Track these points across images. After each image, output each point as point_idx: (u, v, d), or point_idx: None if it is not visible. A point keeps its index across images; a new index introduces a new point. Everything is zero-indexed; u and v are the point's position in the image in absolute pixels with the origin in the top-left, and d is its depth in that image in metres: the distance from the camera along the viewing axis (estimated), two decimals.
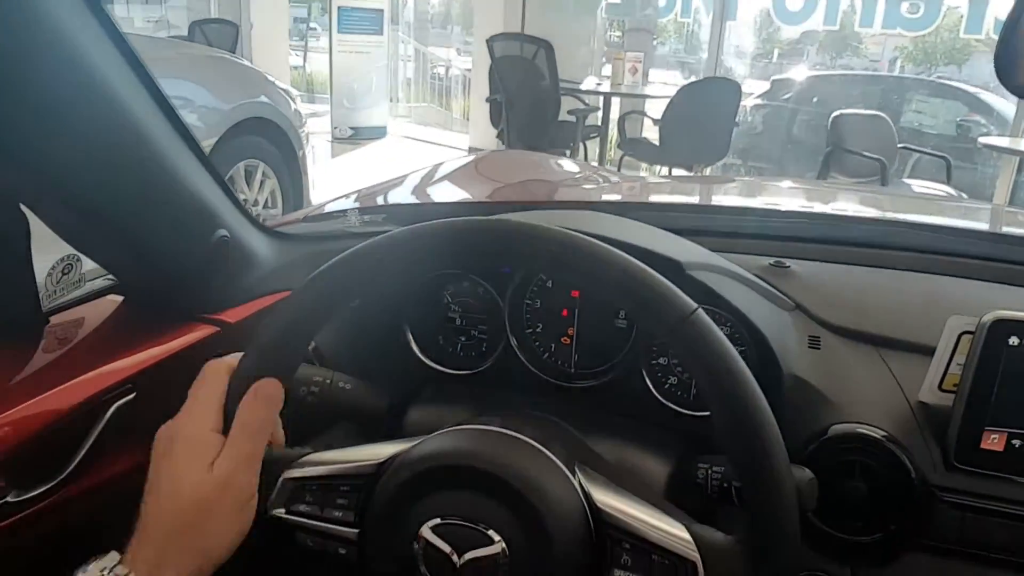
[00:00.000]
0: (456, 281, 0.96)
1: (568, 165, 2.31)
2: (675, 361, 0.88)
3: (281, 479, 0.68)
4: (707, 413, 0.86)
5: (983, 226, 1.44)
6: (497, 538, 0.60)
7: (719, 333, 0.59)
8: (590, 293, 0.89)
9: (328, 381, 0.82)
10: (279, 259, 0.99)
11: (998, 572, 0.74)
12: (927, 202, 2.08)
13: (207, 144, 3.07)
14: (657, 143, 4.87)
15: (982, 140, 4.66)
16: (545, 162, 2.23)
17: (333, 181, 5.21)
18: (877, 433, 0.77)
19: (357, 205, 1.29)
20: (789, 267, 0.96)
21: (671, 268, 0.78)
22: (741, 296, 0.84)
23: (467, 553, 0.60)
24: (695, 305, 0.59)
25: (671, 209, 1.29)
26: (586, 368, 0.92)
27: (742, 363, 0.59)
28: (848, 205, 1.55)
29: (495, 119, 5.37)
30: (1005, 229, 1.41)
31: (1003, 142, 4.58)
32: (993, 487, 0.74)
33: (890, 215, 1.35)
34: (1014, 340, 0.74)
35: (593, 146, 5.49)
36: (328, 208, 1.26)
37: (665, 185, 2.26)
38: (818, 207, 1.45)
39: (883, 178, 4.09)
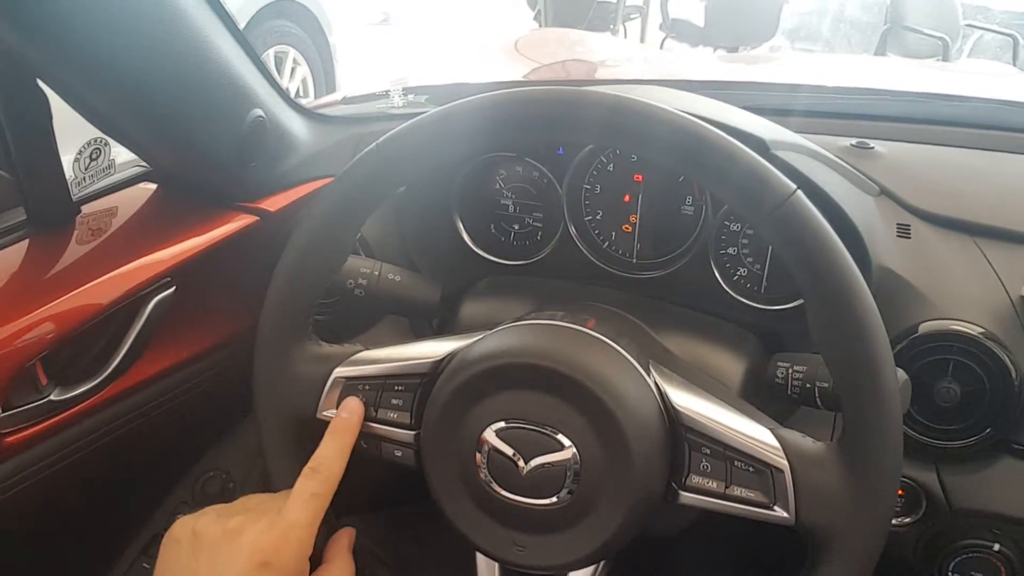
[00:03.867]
0: (508, 165, 0.89)
1: (612, 43, 2.18)
2: (746, 251, 0.82)
3: (332, 377, 0.64)
4: (780, 307, 0.81)
5: None
6: (567, 443, 0.56)
7: (821, 218, 0.52)
8: (673, 170, 0.81)
9: (376, 273, 0.77)
10: (319, 143, 0.93)
11: None
12: (1013, 79, 1.93)
13: None
14: (701, 24, 4.62)
15: None
16: (588, 40, 2.10)
17: (366, 68, 5.04)
18: (974, 330, 0.70)
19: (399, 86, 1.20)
20: (873, 148, 0.87)
21: (756, 147, 0.70)
22: (827, 179, 0.76)
23: (534, 459, 0.56)
24: (794, 186, 0.52)
25: (742, 87, 1.18)
26: (649, 258, 0.85)
27: (846, 252, 0.52)
28: (931, 82, 1.43)
29: None
30: None
31: None
32: None
33: (979, 92, 1.23)
34: None
35: (633, 28, 5.23)
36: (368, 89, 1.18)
37: (722, 65, 2.12)
38: (899, 84, 1.33)
39: (945, 57, 3.84)
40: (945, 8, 4.20)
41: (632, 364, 0.59)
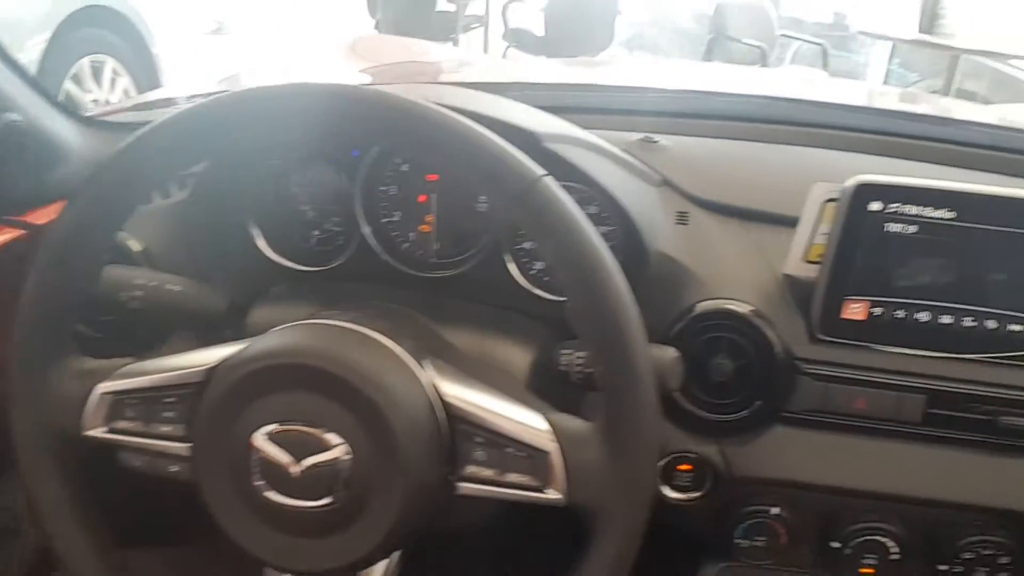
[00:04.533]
0: (302, 169, 0.87)
1: (453, 52, 2.19)
2: None
3: (97, 393, 0.60)
4: None
5: (851, 99, 1.43)
6: (338, 441, 0.55)
7: (570, 202, 0.54)
8: (432, 164, 0.82)
9: (154, 284, 0.73)
10: (97, 151, 0.87)
11: (855, 437, 0.75)
12: (798, 80, 2.09)
13: (41, 39, 2.74)
14: (541, 34, 4.74)
15: (857, 27, 4.74)
16: (429, 48, 2.11)
17: (198, 77, 4.83)
18: (743, 308, 0.74)
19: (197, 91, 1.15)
20: (658, 142, 0.92)
21: (527, 139, 0.72)
22: (606, 171, 0.79)
23: (306, 460, 0.55)
24: (542, 172, 0.54)
25: (535, 88, 1.21)
26: (448, 257, 0.86)
27: (595, 234, 0.54)
28: (719, 82, 1.52)
29: (372, 7, 5.08)
30: (875, 102, 1.41)
31: (877, 28, 4.66)
32: (855, 356, 0.74)
33: (760, 90, 1.32)
34: (875, 205, 0.72)
35: (477, 38, 5.30)
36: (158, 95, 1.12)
37: (536, 68, 2.17)
38: (689, 83, 1.41)
39: (764, 64, 4.13)
40: (762, 20, 4.52)
41: (403, 359, 0.58)
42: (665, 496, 0.76)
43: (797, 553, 0.77)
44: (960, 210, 0.71)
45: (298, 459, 0.55)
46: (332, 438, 0.55)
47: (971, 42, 3.75)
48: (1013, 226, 0.71)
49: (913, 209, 0.72)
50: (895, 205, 0.72)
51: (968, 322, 0.74)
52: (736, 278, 0.77)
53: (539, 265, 0.84)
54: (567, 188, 0.56)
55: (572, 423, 0.57)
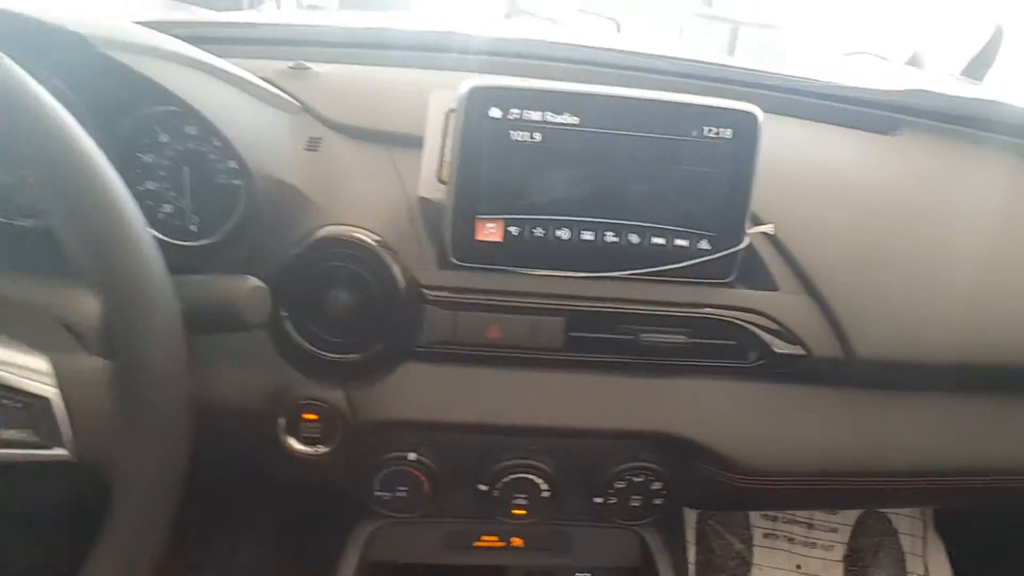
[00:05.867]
0: None
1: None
2: (167, 185, 0.72)
3: None
4: (210, 240, 0.72)
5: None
6: None
7: (29, 86, 0.43)
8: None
9: None
10: None
11: (493, 369, 0.69)
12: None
13: None
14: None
15: None
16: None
17: None
18: (364, 236, 0.66)
19: None
20: (310, 69, 0.82)
21: (73, 42, 0.60)
22: (212, 93, 0.69)
23: None
24: None
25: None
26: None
27: (69, 123, 0.43)
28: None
29: None
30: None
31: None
32: (487, 281, 0.68)
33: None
34: (496, 112, 0.65)
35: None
36: None
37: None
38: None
39: None
40: None
41: None
42: (295, 450, 0.67)
43: (447, 502, 0.71)
44: (582, 114, 0.66)
45: None
46: None
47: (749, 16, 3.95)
48: (639, 130, 0.67)
49: (536, 115, 0.66)
50: (516, 111, 0.66)
51: (610, 237, 0.69)
52: (366, 205, 0.69)
53: (167, 209, 0.72)
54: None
55: (80, 363, 0.46)
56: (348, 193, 0.70)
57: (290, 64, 0.83)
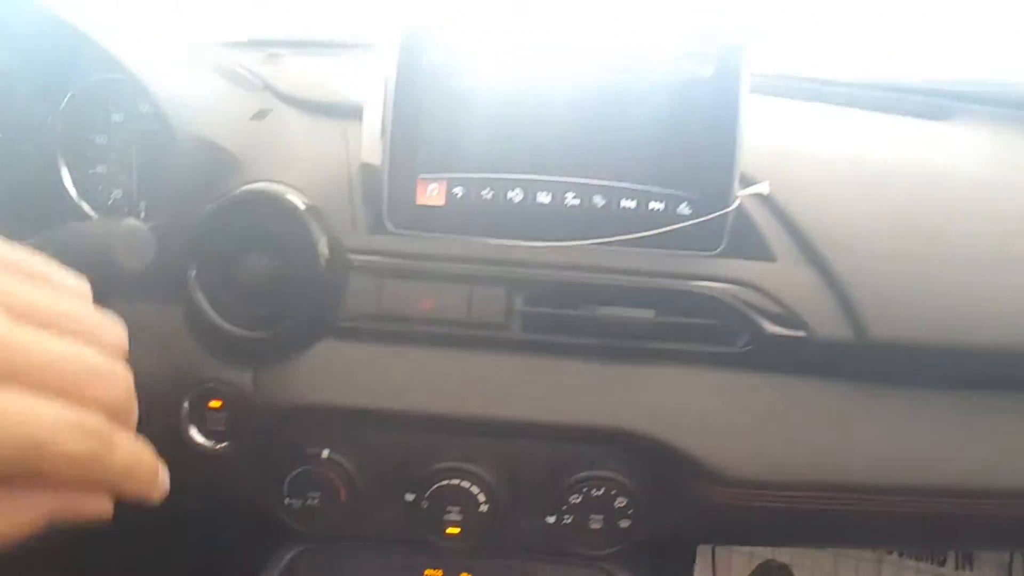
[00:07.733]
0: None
1: None
2: (116, 168, 0.68)
3: None
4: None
5: None
6: None
7: None
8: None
9: None
10: None
11: (425, 349, 0.58)
12: None
13: None
14: None
15: None
16: None
17: None
18: (291, 195, 0.58)
19: None
20: (283, 56, 0.79)
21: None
22: (150, 59, 0.65)
23: None
24: None
25: None
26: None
27: None
28: None
29: None
30: None
31: None
32: (420, 246, 0.59)
33: None
34: (435, 55, 0.58)
35: None
36: None
37: None
38: None
39: None
40: None
41: None
42: (197, 444, 0.58)
43: (369, 514, 0.60)
44: (534, 53, 0.58)
45: None
46: None
47: None
48: (602, 68, 0.58)
49: (480, 56, 0.58)
50: (457, 53, 0.58)
51: (571, 200, 0.60)
52: (302, 169, 0.62)
53: (117, 193, 0.68)
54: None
55: None
56: (286, 158, 0.63)
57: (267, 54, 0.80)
